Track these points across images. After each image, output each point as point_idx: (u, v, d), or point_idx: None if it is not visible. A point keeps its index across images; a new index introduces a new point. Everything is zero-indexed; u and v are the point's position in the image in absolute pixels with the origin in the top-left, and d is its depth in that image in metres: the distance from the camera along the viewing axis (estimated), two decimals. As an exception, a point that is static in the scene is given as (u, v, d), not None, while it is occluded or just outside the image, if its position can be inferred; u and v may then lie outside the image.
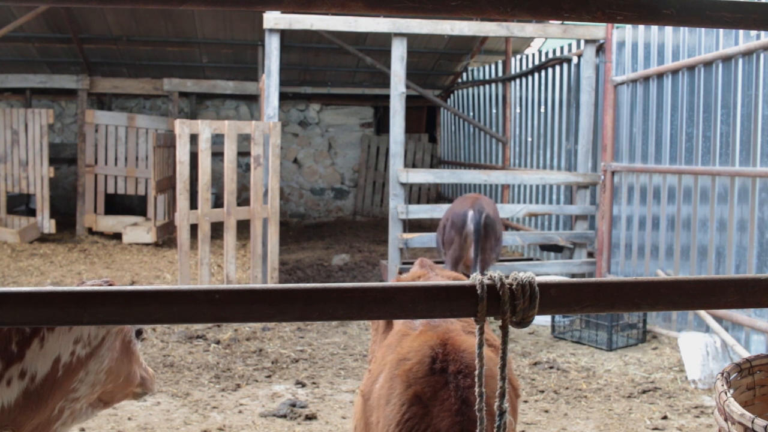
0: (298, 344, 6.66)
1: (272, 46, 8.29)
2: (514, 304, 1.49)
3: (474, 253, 6.93)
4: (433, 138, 16.90)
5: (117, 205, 12.91)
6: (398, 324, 2.81)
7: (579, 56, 9.39)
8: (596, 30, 8.64)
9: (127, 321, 1.44)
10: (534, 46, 14.25)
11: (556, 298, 1.53)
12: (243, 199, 12.34)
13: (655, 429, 4.88)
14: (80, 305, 1.39)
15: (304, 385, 5.59)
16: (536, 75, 11.10)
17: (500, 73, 12.64)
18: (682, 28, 7.19)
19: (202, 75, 14.24)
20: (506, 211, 8.49)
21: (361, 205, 16.05)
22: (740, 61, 6.39)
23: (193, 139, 9.29)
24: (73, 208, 12.74)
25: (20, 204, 12.85)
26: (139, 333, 2.65)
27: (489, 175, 8.70)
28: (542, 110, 10.90)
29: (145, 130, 12.50)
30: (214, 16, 12.29)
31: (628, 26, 8.25)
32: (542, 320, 7.44)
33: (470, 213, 7.04)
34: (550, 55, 10.63)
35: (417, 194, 16.14)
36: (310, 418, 4.93)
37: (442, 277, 3.13)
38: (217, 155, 11.97)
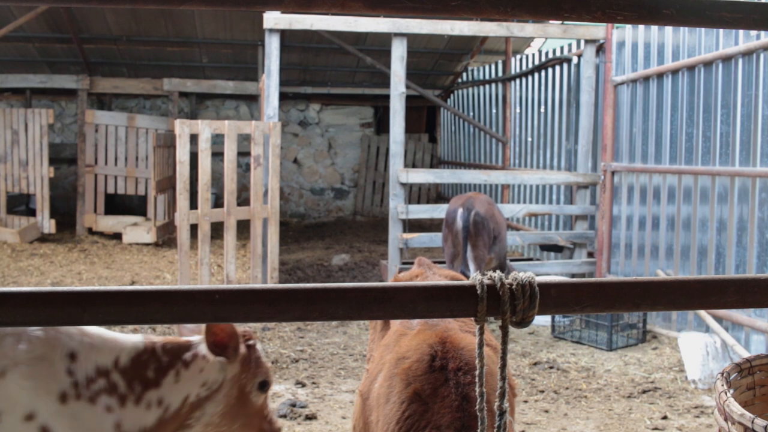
0: (298, 344, 6.66)
1: (272, 46, 8.29)
2: (514, 304, 1.49)
3: (463, 250, 6.96)
4: (433, 138, 16.90)
5: (117, 205, 12.91)
6: (395, 324, 2.81)
7: (579, 56, 9.39)
8: (596, 30, 8.64)
9: (128, 321, 1.44)
10: (534, 46, 14.25)
11: (556, 298, 1.53)
12: (243, 199, 12.34)
13: (655, 429, 4.88)
14: (80, 305, 1.39)
15: (304, 385, 5.59)
16: (536, 75, 11.10)
17: (500, 73, 12.64)
18: (682, 28, 7.19)
19: (202, 75, 14.24)
20: (506, 211, 8.49)
21: (361, 205, 16.05)
22: (740, 61, 6.39)
23: (193, 139, 9.29)
24: (73, 208, 12.74)
25: (20, 204, 12.85)
26: (263, 385, 2.72)
27: (489, 175, 8.70)
28: (542, 110, 10.90)
29: (145, 130, 12.50)
30: (214, 16, 12.29)
31: (628, 26, 8.25)
32: (542, 320, 7.44)
33: (460, 210, 7.08)
34: (550, 55, 10.63)
35: (417, 194, 16.14)
36: (310, 418, 4.93)
37: (440, 276, 3.13)
38: (217, 155, 11.97)
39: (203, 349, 2.61)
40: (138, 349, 2.54)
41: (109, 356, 2.49)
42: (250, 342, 2.71)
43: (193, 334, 2.75)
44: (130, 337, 2.59)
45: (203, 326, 2.62)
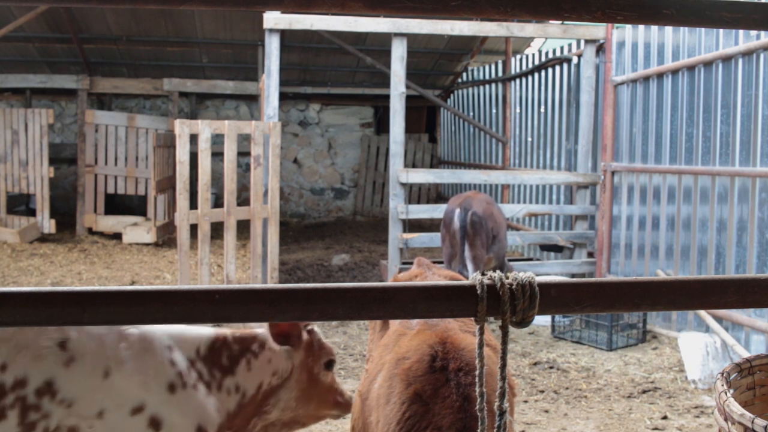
0: (298, 344, 6.65)
1: (272, 46, 8.29)
2: (514, 304, 1.49)
3: (461, 250, 6.96)
4: (433, 138, 16.90)
5: (117, 205, 12.90)
6: (394, 324, 2.80)
7: (579, 56, 9.39)
8: (596, 30, 8.64)
9: (128, 321, 1.44)
10: (534, 46, 14.25)
11: (556, 298, 1.53)
12: (243, 199, 12.33)
13: (655, 429, 4.88)
14: (80, 305, 1.39)
15: (304, 385, 5.58)
16: (536, 75, 11.10)
17: (500, 73, 12.64)
18: (682, 28, 7.19)
19: (202, 75, 14.24)
20: (506, 211, 8.49)
21: (361, 205, 16.05)
22: (740, 61, 6.39)
23: (193, 139, 9.28)
24: (73, 208, 12.74)
25: (20, 204, 12.85)
26: (329, 364, 2.94)
27: (489, 175, 8.70)
28: (542, 110, 10.90)
29: (145, 130, 12.50)
30: (214, 16, 12.29)
31: (628, 26, 8.25)
32: (542, 320, 7.44)
33: (457, 210, 7.08)
34: (550, 55, 10.63)
35: (417, 194, 16.14)
36: (310, 418, 4.92)
37: (440, 276, 3.13)
38: (217, 155, 11.96)
39: (269, 340, 2.80)
40: (211, 338, 2.75)
41: (193, 346, 2.69)
42: (309, 327, 2.90)
43: (256, 327, 2.94)
44: (203, 329, 2.79)
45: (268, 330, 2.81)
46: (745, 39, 6.36)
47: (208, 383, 2.70)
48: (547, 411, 5.19)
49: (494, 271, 1.54)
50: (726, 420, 2.13)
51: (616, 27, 8.45)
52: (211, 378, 2.71)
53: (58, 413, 2.41)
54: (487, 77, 13.47)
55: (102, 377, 2.48)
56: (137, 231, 11.45)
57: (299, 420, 2.97)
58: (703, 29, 6.89)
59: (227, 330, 2.83)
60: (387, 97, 9.38)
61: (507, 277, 1.52)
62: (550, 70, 10.63)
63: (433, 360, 2.38)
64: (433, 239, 8.22)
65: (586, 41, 8.73)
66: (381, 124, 16.12)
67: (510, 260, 9.92)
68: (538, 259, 10.02)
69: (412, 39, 10.46)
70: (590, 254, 8.78)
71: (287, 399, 2.85)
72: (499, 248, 7.25)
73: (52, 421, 2.41)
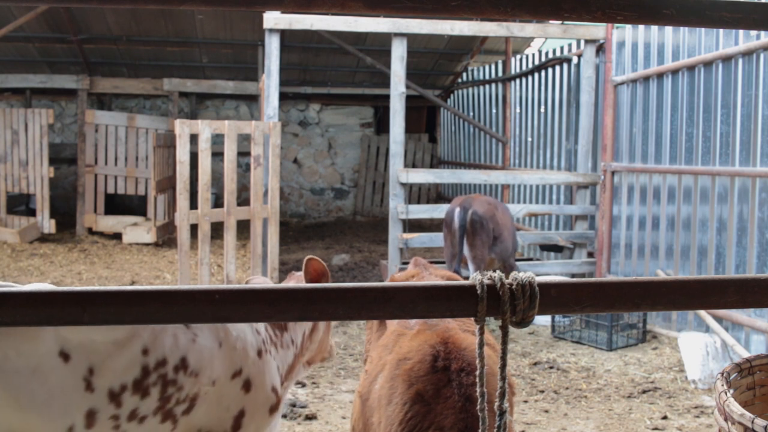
0: (298, 344, 6.66)
1: (272, 46, 8.29)
2: (514, 304, 1.49)
3: (459, 249, 6.96)
4: (433, 138, 16.90)
5: (117, 205, 12.90)
6: (393, 324, 2.80)
7: (579, 56, 9.39)
8: (596, 30, 8.64)
9: (128, 321, 1.44)
10: (534, 46, 14.25)
11: (556, 298, 1.53)
12: (243, 199, 12.33)
13: (655, 429, 4.88)
14: (80, 305, 1.39)
15: (303, 385, 5.59)
16: (536, 75, 11.10)
17: (500, 73, 12.64)
18: (682, 28, 7.19)
19: (202, 75, 14.24)
20: (506, 211, 8.49)
21: (361, 205, 16.05)
22: (740, 61, 6.38)
23: (193, 139, 9.28)
24: (73, 208, 12.74)
25: (20, 204, 12.84)
26: None
27: (489, 175, 8.70)
28: (542, 110, 10.90)
29: (145, 130, 12.50)
30: (214, 16, 12.29)
31: (628, 26, 8.25)
32: (542, 320, 7.44)
33: (457, 210, 7.08)
34: (550, 55, 10.63)
35: (417, 194, 16.13)
36: (310, 418, 4.93)
37: (437, 276, 3.13)
38: (217, 155, 11.96)
39: None
40: None
41: None
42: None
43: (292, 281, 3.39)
44: None
45: (304, 266, 3.17)
46: (745, 39, 6.36)
47: (275, 344, 3.09)
48: (547, 411, 5.19)
49: (494, 271, 1.54)
50: (726, 420, 2.13)
51: (616, 27, 8.44)
52: (276, 338, 3.10)
53: (188, 384, 2.73)
54: (487, 77, 13.47)
55: (217, 348, 2.81)
56: (137, 231, 11.45)
57: (310, 361, 3.45)
58: (703, 29, 6.89)
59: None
60: (387, 97, 9.38)
61: (507, 277, 1.52)
62: (550, 70, 10.63)
63: (435, 360, 2.38)
64: (433, 239, 8.22)
65: (586, 41, 8.72)
66: (381, 124, 16.12)
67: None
68: (538, 259, 10.02)
69: (412, 39, 10.46)
70: (590, 254, 8.78)
71: (316, 341, 3.33)
72: (501, 249, 7.22)
73: (183, 392, 2.73)
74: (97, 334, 2.58)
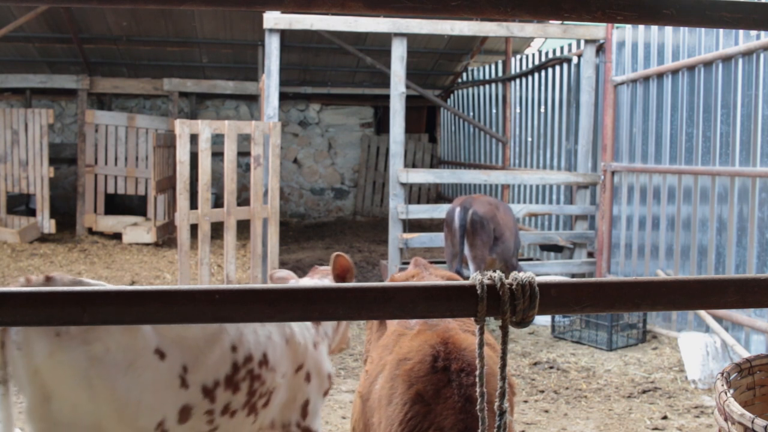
0: (298, 344, 6.65)
1: (272, 46, 8.29)
2: (514, 304, 1.49)
3: (460, 249, 6.97)
4: (433, 138, 16.90)
5: (117, 205, 12.90)
6: (393, 324, 2.80)
7: (579, 56, 9.39)
8: (596, 30, 8.64)
9: (128, 321, 1.44)
10: (534, 46, 14.25)
11: (556, 298, 1.53)
12: (243, 199, 12.33)
13: (655, 429, 4.88)
14: (80, 305, 1.39)
15: (304, 385, 5.58)
16: (536, 75, 11.10)
17: (500, 73, 12.64)
18: (682, 28, 7.19)
19: (202, 75, 14.24)
20: (506, 211, 8.49)
21: (361, 205, 16.05)
22: (740, 61, 6.38)
23: (193, 139, 9.28)
24: (73, 208, 12.74)
25: (20, 204, 12.84)
26: None
27: (489, 175, 8.70)
28: (542, 110, 10.90)
29: (145, 130, 12.50)
30: (214, 16, 12.29)
31: (628, 26, 8.25)
32: (542, 320, 7.44)
33: (457, 210, 7.09)
34: (550, 55, 10.63)
35: (417, 194, 16.13)
36: (310, 418, 4.92)
37: (436, 276, 3.13)
38: (217, 155, 11.96)
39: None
40: None
41: None
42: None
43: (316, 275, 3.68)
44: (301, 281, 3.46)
45: (331, 262, 3.36)
46: (745, 39, 6.36)
47: (320, 333, 3.32)
48: (547, 411, 5.19)
49: (494, 271, 1.54)
50: (726, 420, 2.13)
51: (616, 27, 8.44)
52: (320, 326, 3.35)
53: (269, 379, 2.93)
54: (487, 77, 13.47)
55: (285, 344, 3.01)
56: (137, 231, 11.45)
57: (331, 352, 3.63)
58: (703, 29, 6.89)
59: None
60: (387, 97, 9.38)
61: (507, 277, 1.52)
62: (550, 70, 10.63)
63: (435, 360, 2.38)
64: (433, 239, 8.22)
65: (586, 41, 8.72)
66: (381, 124, 16.11)
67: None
68: (538, 259, 10.02)
69: (412, 39, 10.46)
70: (590, 254, 8.78)
71: (338, 332, 3.59)
72: (503, 249, 7.22)
73: (264, 386, 2.92)
74: (187, 331, 2.71)
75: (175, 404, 2.66)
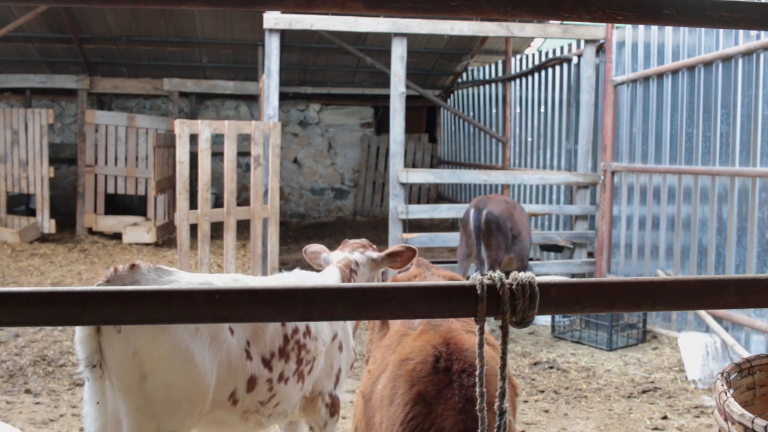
0: (298, 344, 6.65)
1: (272, 46, 8.29)
2: (514, 304, 1.49)
3: (476, 250, 6.97)
4: (433, 138, 16.90)
5: (117, 205, 12.90)
6: (396, 324, 2.80)
7: (579, 56, 9.39)
8: (596, 30, 8.64)
9: (128, 321, 1.44)
10: (534, 46, 14.25)
11: (556, 298, 1.53)
12: (243, 199, 12.33)
13: (655, 429, 4.88)
14: (80, 305, 1.39)
15: (304, 385, 5.58)
16: (536, 75, 11.10)
17: (500, 73, 12.64)
18: (682, 28, 7.19)
19: (202, 75, 14.24)
20: (506, 211, 8.49)
21: (361, 205, 16.05)
22: (740, 61, 6.38)
23: (193, 139, 9.28)
24: (73, 208, 12.74)
25: (20, 204, 12.84)
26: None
27: (489, 175, 8.70)
28: (542, 110, 10.90)
29: (145, 130, 12.50)
30: (214, 16, 12.29)
31: (628, 26, 8.25)
32: (542, 320, 7.44)
33: (471, 210, 7.08)
34: (550, 55, 10.63)
35: (417, 194, 16.13)
36: (310, 418, 4.91)
37: (439, 276, 3.13)
38: (217, 155, 11.96)
39: (372, 254, 3.86)
40: (339, 277, 3.67)
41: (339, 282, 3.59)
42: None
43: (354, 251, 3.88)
44: (332, 270, 3.70)
45: (394, 249, 3.81)
46: (745, 39, 6.36)
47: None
48: (547, 411, 5.19)
49: (494, 272, 1.54)
50: (726, 420, 2.13)
51: (616, 27, 8.44)
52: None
53: (312, 348, 3.23)
54: (487, 77, 13.47)
55: None
56: (137, 231, 11.45)
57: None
58: (703, 29, 6.89)
59: (342, 258, 3.70)
60: (387, 97, 9.38)
61: (507, 277, 1.52)
62: (550, 70, 10.63)
63: (437, 361, 2.38)
64: (433, 239, 8.22)
65: (586, 41, 8.72)
66: (381, 124, 16.11)
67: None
68: (538, 259, 10.02)
69: (412, 39, 10.46)
70: (590, 254, 8.78)
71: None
72: (521, 249, 7.21)
73: (309, 355, 3.22)
74: None
75: (244, 375, 2.97)
